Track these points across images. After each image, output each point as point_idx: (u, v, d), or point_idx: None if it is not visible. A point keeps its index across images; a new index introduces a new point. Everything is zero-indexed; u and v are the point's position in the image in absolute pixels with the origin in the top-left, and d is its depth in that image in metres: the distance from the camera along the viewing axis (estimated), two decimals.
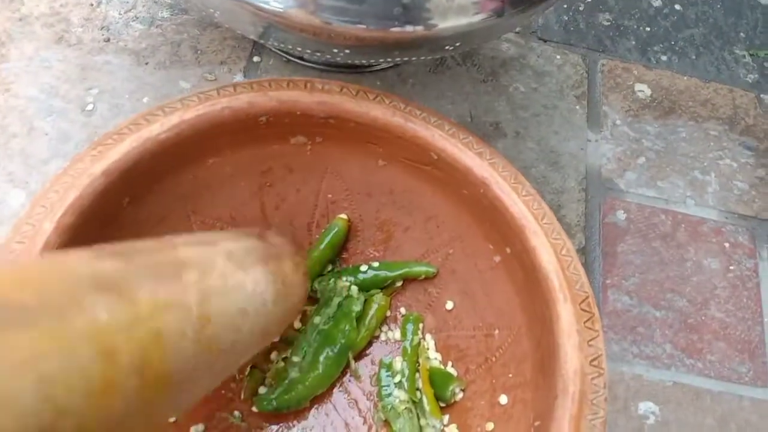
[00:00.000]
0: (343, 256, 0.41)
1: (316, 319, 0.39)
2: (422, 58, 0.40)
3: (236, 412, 0.37)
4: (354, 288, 0.39)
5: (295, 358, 0.38)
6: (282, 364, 0.38)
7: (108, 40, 0.49)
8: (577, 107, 0.53)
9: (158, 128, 0.32)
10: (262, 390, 0.38)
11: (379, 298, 0.40)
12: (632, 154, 0.52)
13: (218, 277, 0.26)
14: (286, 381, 0.37)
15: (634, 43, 0.58)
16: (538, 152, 0.51)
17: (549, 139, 0.51)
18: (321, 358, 0.38)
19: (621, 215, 0.49)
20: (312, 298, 0.40)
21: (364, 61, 0.44)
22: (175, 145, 0.33)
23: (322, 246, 0.40)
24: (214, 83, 0.49)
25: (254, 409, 0.37)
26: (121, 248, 0.23)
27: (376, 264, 0.40)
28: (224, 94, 0.34)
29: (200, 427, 0.36)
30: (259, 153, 0.37)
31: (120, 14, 0.50)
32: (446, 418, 0.38)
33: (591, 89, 0.54)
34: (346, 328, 0.38)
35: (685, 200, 0.51)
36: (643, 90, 0.55)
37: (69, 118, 0.46)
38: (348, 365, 0.39)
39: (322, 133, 0.37)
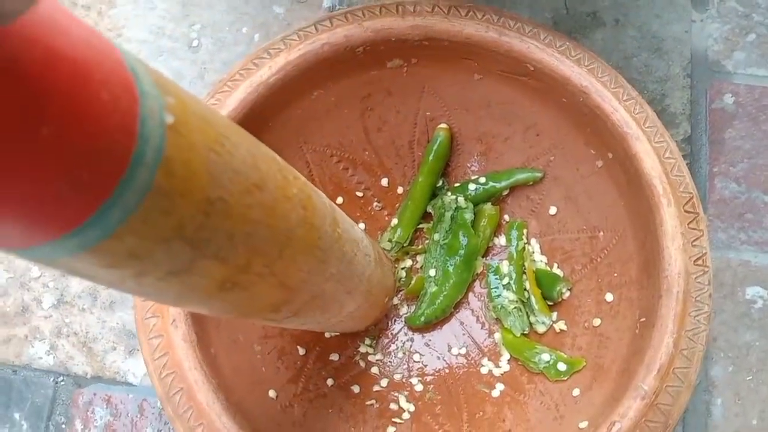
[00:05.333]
0: (448, 169, 0.43)
1: (436, 236, 0.41)
2: None
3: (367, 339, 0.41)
4: (461, 199, 0.41)
5: (432, 272, 0.41)
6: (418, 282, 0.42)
7: None
8: None
9: (267, 72, 0.35)
10: (404, 310, 0.42)
11: (488, 208, 0.42)
12: (741, 32, 0.49)
13: (340, 212, 0.29)
14: (427, 296, 0.41)
15: None
16: (640, 39, 0.49)
17: (651, 24, 0.49)
18: (450, 269, 0.41)
19: (729, 99, 0.48)
20: (428, 216, 0.43)
21: None
22: (283, 85, 0.35)
23: (431, 158, 0.42)
24: (305, 5, 0.50)
25: (407, 327, 0.41)
26: None
27: (482, 180, 0.41)
28: (322, 30, 0.36)
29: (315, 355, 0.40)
30: (359, 80, 0.39)
31: None
32: (554, 315, 0.40)
33: None
34: (464, 236, 0.41)
35: None
36: None
37: (178, 56, 0.49)
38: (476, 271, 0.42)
39: (417, 54, 0.38)
